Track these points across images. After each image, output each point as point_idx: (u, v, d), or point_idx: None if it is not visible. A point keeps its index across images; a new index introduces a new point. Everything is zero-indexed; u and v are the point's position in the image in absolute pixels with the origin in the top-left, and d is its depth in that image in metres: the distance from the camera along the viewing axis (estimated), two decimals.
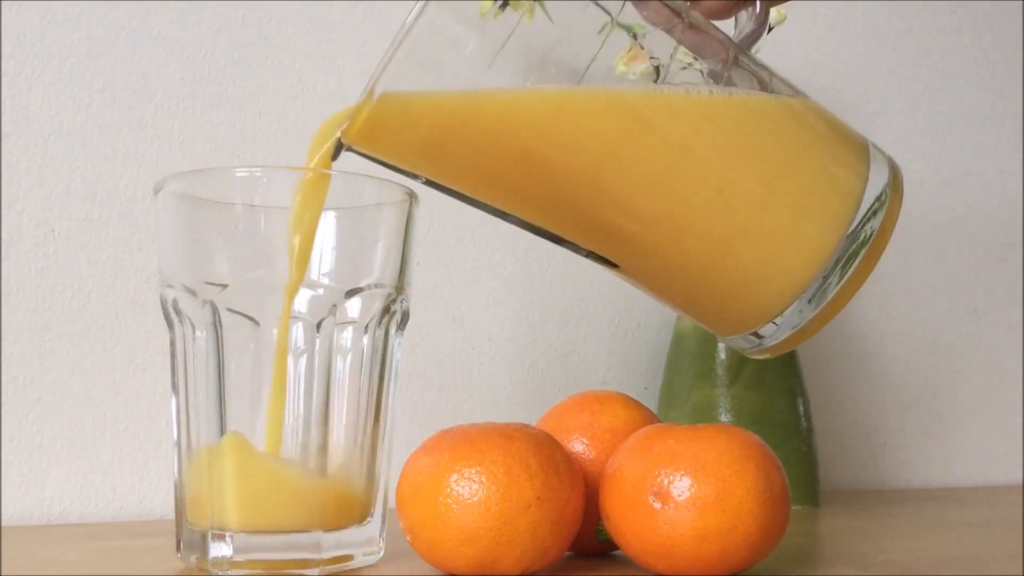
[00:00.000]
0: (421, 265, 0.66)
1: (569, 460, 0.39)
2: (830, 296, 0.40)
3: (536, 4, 0.36)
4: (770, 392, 0.64)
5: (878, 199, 0.40)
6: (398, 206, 0.42)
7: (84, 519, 0.57)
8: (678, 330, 0.67)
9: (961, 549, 0.47)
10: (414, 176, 0.39)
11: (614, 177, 0.38)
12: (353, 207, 0.41)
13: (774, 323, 0.40)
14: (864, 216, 0.39)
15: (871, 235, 0.39)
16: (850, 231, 0.39)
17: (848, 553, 0.46)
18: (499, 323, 0.69)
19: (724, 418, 0.63)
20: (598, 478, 0.40)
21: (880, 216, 0.40)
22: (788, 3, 0.44)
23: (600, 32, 0.37)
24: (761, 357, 0.43)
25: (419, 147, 0.38)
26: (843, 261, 0.39)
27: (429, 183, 0.40)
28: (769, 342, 0.41)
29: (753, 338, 0.42)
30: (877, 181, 0.40)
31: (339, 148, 0.38)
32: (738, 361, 0.64)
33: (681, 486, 0.36)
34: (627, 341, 0.72)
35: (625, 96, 0.37)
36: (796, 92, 0.41)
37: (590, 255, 0.42)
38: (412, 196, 0.43)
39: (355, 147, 0.38)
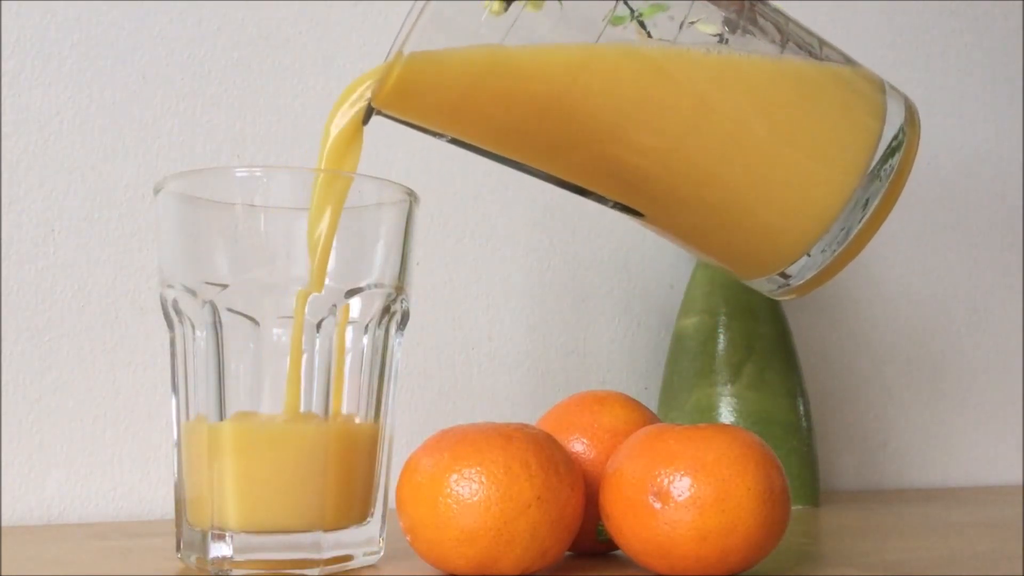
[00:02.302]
0: (421, 265, 0.66)
1: (569, 460, 0.39)
2: (854, 233, 0.40)
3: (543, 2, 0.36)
4: (770, 392, 0.64)
5: (896, 138, 0.40)
6: (398, 206, 0.42)
7: (84, 519, 0.57)
8: (678, 330, 0.67)
9: (961, 549, 0.47)
10: (439, 135, 0.40)
11: (636, 128, 0.38)
12: (353, 207, 0.41)
13: (800, 263, 0.41)
14: (883, 155, 0.40)
15: (891, 172, 0.40)
16: (870, 170, 0.40)
17: (848, 553, 0.46)
18: (499, 323, 0.69)
19: (724, 418, 0.63)
20: (598, 478, 0.40)
21: (899, 154, 0.40)
22: (788, 3, 0.44)
23: (608, 20, 0.37)
24: (787, 298, 0.43)
25: (446, 105, 0.38)
26: (865, 199, 0.40)
27: (454, 141, 0.40)
28: (796, 281, 0.42)
29: (779, 279, 0.42)
30: (894, 120, 0.41)
31: (369, 112, 0.39)
32: (738, 361, 0.64)
33: (681, 486, 0.36)
34: (627, 341, 0.72)
35: (646, 51, 0.38)
36: (810, 34, 0.42)
37: (616, 206, 0.42)
38: (412, 196, 0.43)
39: (384, 110, 0.39)
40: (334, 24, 0.66)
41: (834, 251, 0.40)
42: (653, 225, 0.43)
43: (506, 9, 0.36)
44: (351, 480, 0.40)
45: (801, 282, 0.42)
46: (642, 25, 0.38)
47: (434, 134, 0.40)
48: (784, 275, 0.42)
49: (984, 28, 0.90)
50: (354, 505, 0.41)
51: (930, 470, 0.84)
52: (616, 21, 0.37)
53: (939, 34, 0.88)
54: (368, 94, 0.39)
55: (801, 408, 0.65)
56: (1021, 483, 0.85)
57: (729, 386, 0.64)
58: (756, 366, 0.64)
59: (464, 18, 0.36)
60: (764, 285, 0.43)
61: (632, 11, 0.37)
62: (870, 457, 0.81)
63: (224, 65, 0.63)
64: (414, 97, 0.38)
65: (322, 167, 0.40)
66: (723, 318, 0.65)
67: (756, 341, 0.64)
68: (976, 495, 0.75)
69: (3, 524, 0.55)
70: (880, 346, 0.83)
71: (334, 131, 0.40)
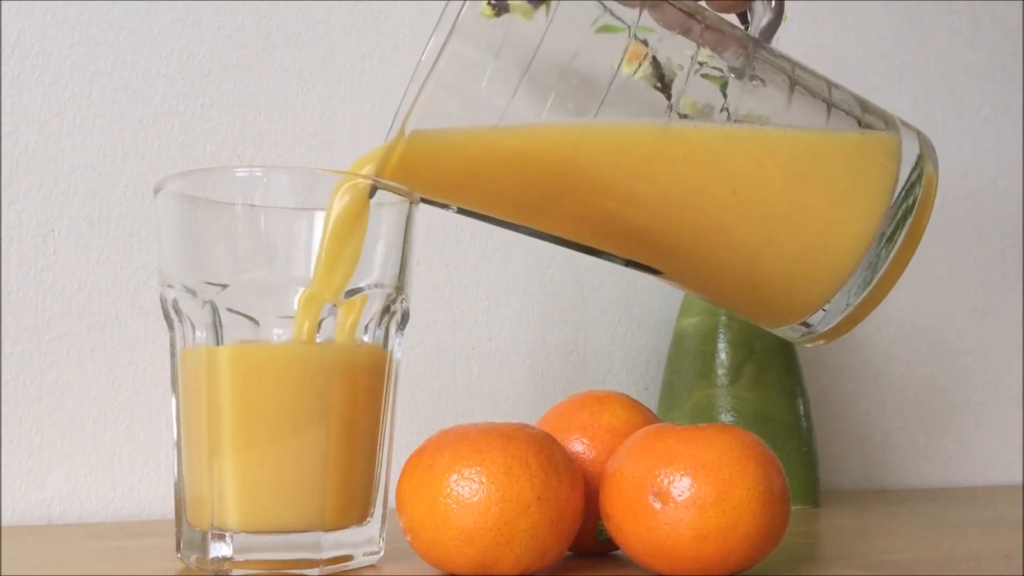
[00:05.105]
0: (421, 265, 0.66)
1: (569, 460, 0.39)
2: (876, 279, 0.40)
3: (542, 7, 0.36)
4: (770, 392, 0.64)
5: (913, 170, 0.40)
6: (398, 206, 0.42)
7: (84, 519, 0.57)
8: (678, 330, 0.67)
9: (961, 549, 0.47)
10: (446, 206, 0.40)
11: (645, 193, 0.38)
12: None
13: (822, 311, 0.41)
14: (899, 196, 0.40)
15: (911, 210, 0.40)
16: (888, 209, 0.40)
17: (848, 553, 0.46)
18: (499, 323, 0.69)
19: (724, 418, 0.63)
20: (598, 478, 0.40)
21: (917, 191, 0.40)
22: (788, 3, 0.44)
23: (601, 30, 0.37)
24: (813, 345, 0.44)
25: (451, 181, 0.39)
26: (885, 241, 0.40)
27: (462, 211, 0.40)
28: (820, 329, 0.42)
29: (802, 327, 0.42)
30: (909, 157, 0.41)
31: (375, 187, 0.39)
32: (738, 361, 0.64)
33: (681, 486, 0.36)
34: (627, 341, 0.72)
35: (643, 128, 0.38)
36: (818, 77, 0.42)
37: (629, 264, 0.42)
38: (412, 196, 0.43)
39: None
40: (334, 24, 0.66)
41: (857, 297, 0.41)
42: (672, 281, 0.43)
43: (498, 14, 0.36)
44: (351, 481, 0.40)
45: (825, 329, 0.42)
46: (658, 65, 0.38)
47: (441, 205, 0.41)
48: (806, 324, 0.42)
49: (984, 28, 0.90)
50: (354, 505, 0.41)
51: (930, 470, 0.84)
52: (606, 29, 0.37)
53: (939, 34, 0.88)
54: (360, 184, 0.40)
55: (801, 408, 0.65)
56: (1021, 483, 0.85)
57: (729, 386, 0.64)
58: (756, 366, 0.64)
59: (467, 87, 0.36)
60: (788, 333, 0.43)
61: (628, 26, 0.37)
62: (870, 457, 0.81)
63: (224, 65, 0.63)
64: (417, 174, 0.39)
65: (327, 240, 0.40)
66: (723, 318, 0.65)
67: (756, 341, 0.64)
68: (976, 495, 0.75)
69: (3, 524, 0.55)
70: (880, 346, 0.83)
71: (338, 207, 0.40)
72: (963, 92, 0.88)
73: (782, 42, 0.44)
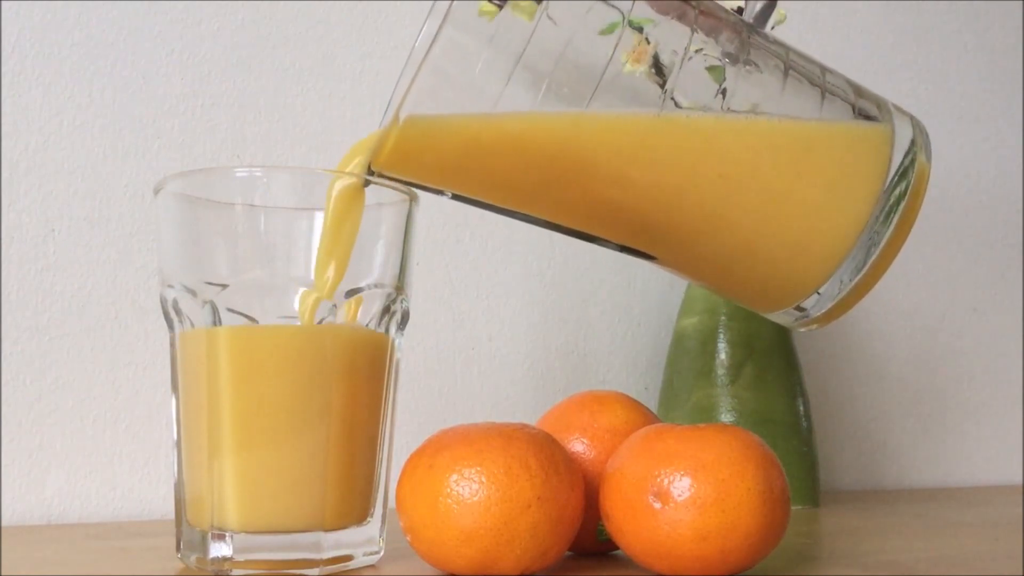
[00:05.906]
0: (421, 265, 0.66)
1: (569, 460, 0.39)
2: (869, 263, 0.40)
3: (540, 7, 0.36)
4: (770, 392, 0.64)
5: (906, 155, 0.40)
6: (398, 206, 0.42)
7: (84, 519, 0.57)
8: (678, 330, 0.67)
9: (961, 549, 0.47)
10: (440, 192, 0.40)
11: (640, 183, 0.39)
12: None
13: (816, 295, 0.41)
14: (892, 180, 0.40)
15: (904, 194, 0.40)
16: (881, 194, 0.40)
17: (848, 553, 0.46)
18: (499, 323, 0.69)
19: (724, 418, 0.63)
20: (598, 478, 0.40)
21: (910, 176, 0.40)
22: (788, 3, 0.44)
23: (604, 32, 0.37)
24: (806, 329, 0.44)
25: (445, 167, 0.39)
26: (878, 225, 0.40)
27: (456, 197, 0.40)
28: (814, 313, 0.42)
29: (796, 312, 0.42)
30: (902, 143, 0.41)
31: (370, 175, 0.39)
32: (738, 361, 0.64)
33: (681, 486, 0.36)
34: (627, 341, 0.72)
35: (638, 115, 0.38)
36: (812, 62, 0.42)
37: (623, 249, 0.42)
38: (412, 196, 0.43)
39: (384, 172, 0.39)
40: (334, 24, 0.66)
41: (850, 281, 0.41)
42: (665, 266, 0.43)
43: (500, 8, 0.36)
44: (351, 481, 0.40)
45: (819, 313, 0.42)
46: (660, 67, 0.38)
47: (435, 191, 0.41)
48: (800, 308, 0.42)
49: (984, 28, 0.90)
50: (354, 505, 0.41)
51: (930, 470, 0.84)
52: (606, 31, 0.37)
53: (939, 34, 0.88)
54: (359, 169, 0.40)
55: (801, 408, 0.65)
56: (1021, 483, 0.85)
57: (729, 386, 0.64)
58: (756, 366, 0.64)
59: (461, 74, 0.36)
60: (782, 318, 0.43)
61: (622, 13, 0.38)
62: (870, 457, 0.81)
63: (224, 65, 0.63)
64: (411, 161, 0.39)
65: (329, 223, 0.40)
66: (723, 318, 0.65)
67: (756, 341, 0.64)
68: (976, 495, 0.75)
69: (3, 524, 0.55)
70: (880, 346, 0.83)
71: (336, 192, 0.40)
72: (963, 92, 0.89)
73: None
